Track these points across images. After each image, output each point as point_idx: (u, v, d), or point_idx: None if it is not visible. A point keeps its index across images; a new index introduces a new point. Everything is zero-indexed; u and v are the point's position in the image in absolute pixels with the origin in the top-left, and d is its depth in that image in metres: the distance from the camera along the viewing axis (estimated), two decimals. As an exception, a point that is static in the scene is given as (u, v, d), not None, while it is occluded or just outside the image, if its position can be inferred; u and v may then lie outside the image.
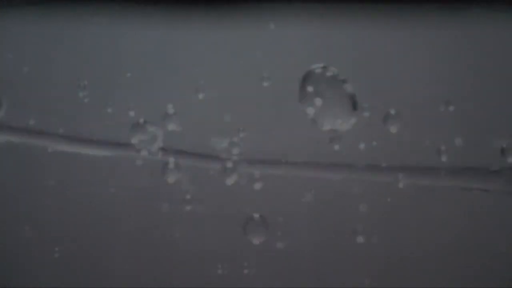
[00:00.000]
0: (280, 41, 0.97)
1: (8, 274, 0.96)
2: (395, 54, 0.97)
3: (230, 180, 0.94)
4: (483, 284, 0.94)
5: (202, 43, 0.98)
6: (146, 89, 0.97)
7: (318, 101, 0.94)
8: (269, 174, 0.95)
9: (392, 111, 0.95)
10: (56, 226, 0.96)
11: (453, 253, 0.94)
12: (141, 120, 0.96)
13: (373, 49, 0.97)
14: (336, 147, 0.94)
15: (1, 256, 0.96)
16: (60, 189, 0.98)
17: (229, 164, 0.95)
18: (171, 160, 0.95)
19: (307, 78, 0.95)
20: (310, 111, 0.94)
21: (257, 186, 0.94)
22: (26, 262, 0.95)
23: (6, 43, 1.01)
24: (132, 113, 0.97)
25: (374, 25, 0.98)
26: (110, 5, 1.00)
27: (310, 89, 0.94)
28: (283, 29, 0.98)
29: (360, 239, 0.94)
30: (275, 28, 0.98)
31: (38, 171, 0.99)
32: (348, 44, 0.97)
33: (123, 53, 0.98)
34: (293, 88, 0.96)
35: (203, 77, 0.98)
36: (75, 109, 0.99)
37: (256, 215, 0.94)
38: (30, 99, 1.00)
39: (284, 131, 0.96)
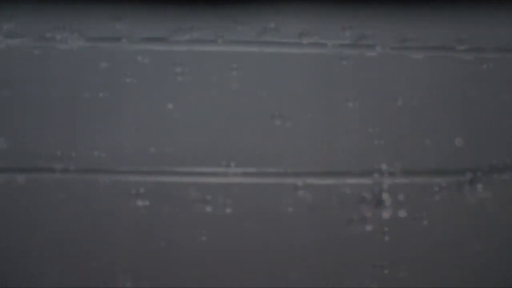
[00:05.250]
0: (279, 41, 1.00)
1: (8, 274, 0.94)
2: (395, 55, 1.00)
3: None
4: (483, 284, 0.96)
5: (202, 42, 1.00)
6: (147, 90, 0.99)
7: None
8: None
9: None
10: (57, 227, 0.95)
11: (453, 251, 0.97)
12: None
13: (373, 49, 1.00)
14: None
15: (1, 256, 0.94)
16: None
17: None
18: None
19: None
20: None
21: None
22: (26, 262, 0.94)
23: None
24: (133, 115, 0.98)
25: (374, 26, 1.01)
26: (108, 6, 1.01)
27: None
28: (283, 29, 1.00)
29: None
30: (275, 28, 1.00)
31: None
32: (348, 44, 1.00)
33: (123, 54, 0.99)
34: (293, 88, 0.99)
35: (203, 76, 0.99)
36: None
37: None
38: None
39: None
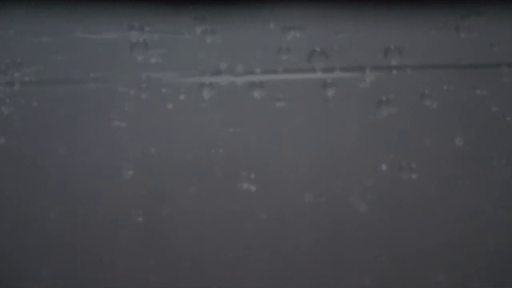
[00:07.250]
0: (280, 41, 0.99)
1: (8, 274, 0.95)
2: (395, 54, 0.99)
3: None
4: (483, 284, 0.94)
5: (202, 42, 0.99)
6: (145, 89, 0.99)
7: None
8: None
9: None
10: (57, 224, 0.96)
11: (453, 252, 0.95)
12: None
13: (373, 50, 0.99)
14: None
15: (1, 256, 0.95)
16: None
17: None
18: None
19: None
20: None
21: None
22: (26, 262, 0.95)
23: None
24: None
25: (375, 26, 1.00)
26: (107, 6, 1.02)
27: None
28: (283, 29, 0.99)
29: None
30: (275, 28, 0.99)
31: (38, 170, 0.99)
32: (348, 44, 1.00)
33: (122, 53, 1.00)
34: (293, 86, 0.98)
35: (203, 76, 0.99)
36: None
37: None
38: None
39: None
